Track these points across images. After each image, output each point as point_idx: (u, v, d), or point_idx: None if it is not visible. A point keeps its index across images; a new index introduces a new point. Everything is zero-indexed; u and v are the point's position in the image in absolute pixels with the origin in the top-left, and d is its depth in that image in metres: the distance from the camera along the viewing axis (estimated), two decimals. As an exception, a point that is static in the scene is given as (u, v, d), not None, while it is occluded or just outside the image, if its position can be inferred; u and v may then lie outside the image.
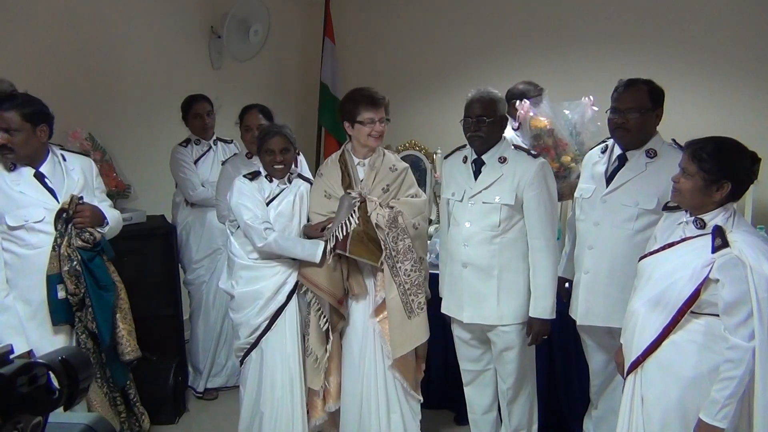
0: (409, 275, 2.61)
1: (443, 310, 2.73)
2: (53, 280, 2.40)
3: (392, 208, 2.66)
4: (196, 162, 3.60)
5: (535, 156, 2.55)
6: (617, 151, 2.54)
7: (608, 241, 2.50)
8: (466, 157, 2.64)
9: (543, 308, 2.53)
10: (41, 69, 3.12)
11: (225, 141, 3.75)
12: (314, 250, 2.64)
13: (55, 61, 3.23)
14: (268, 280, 2.72)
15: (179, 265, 3.54)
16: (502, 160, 2.54)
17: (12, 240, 2.39)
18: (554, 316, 2.53)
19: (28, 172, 2.41)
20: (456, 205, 2.63)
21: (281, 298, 2.73)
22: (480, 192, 2.54)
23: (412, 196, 2.77)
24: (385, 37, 5.00)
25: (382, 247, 2.60)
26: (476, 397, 2.81)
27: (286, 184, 2.79)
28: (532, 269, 2.54)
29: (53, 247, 2.40)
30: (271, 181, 2.77)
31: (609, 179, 2.52)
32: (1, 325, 2.34)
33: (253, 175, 2.78)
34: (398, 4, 4.96)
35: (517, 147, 2.59)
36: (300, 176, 2.89)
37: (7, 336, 2.32)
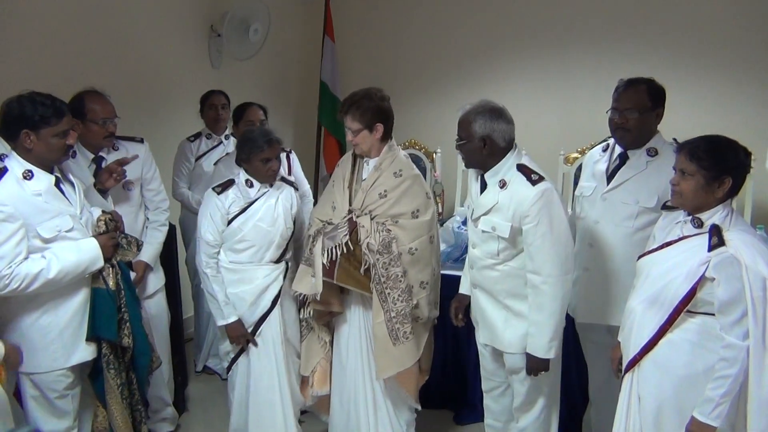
0: (395, 303, 2.53)
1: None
2: (103, 294, 2.36)
3: (389, 231, 2.54)
4: (202, 156, 3.67)
5: (534, 181, 2.27)
6: (618, 149, 2.54)
7: (608, 238, 2.50)
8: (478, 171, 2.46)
9: (536, 346, 2.33)
10: (39, 67, 3.11)
11: (236, 136, 3.78)
12: (222, 316, 2.70)
13: (53, 59, 3.22)
14: (251, 284, 2.71)
15: (178, 265, 3.55)
16: (502, 184, 2.33)
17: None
18: (551, 356, 2.32)
19: (47, 179, 2.26)
20: (469, 223, 2.54)
21: (265, 303, 2.72)
22: (480, 217, 2.39)
23: (414, 212, 2.58)
24: (385, 36, 4.99)
25: (371, 272, 2.51)
26: (492, 404, 2.71)
27: (267, 188, 2.73)
28: (529, 304, 2.33)
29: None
30: (251, 186, 2.71)
31: (609, 177, 2.52)
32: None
33: (224, 187, 2.70)
34: (399, 2, 4.95)
35: (520, 168, 2.31)
36: (283, 179, 2.85)
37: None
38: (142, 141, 2.95)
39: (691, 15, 4.06)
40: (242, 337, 2.73)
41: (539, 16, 4.46)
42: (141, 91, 3.81)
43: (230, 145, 3.70)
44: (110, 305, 2.36)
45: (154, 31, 3.89)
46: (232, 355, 2.79)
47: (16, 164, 2.23)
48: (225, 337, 2.78)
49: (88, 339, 2.36)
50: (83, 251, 2.29)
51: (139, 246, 2.52)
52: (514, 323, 2.40)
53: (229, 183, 2.71)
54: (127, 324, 2.41)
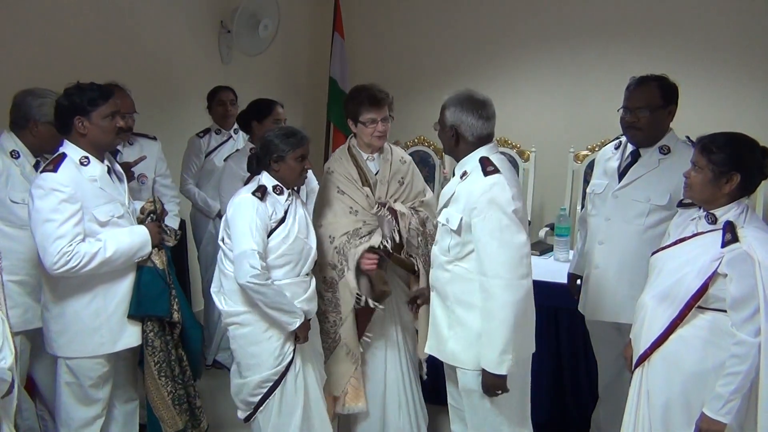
0: None
1: None
2: (151, 272, 2.43)
3: (419, 212, 2.68)
4: (212, 151, 3.69)
5: (487, 173, 2.10)
6: (630, 147, 2.54)
7: (619, 236, 2.49)
8: None
9: (486, 359, 2.10)
10: (50, 64, 3.13)
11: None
12: (295, 317, 2.39)
13: (63, 55, 3.23)
14: (295, 300, 2.44)
15: (188, 260, 3.58)
16: (463, 175, 2.19)
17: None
18: (503, 372, 2.06)
19: (101, 166, 2.36)
20: None
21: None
22: (440, 210, 2.26)
23: (423, 190, 2.78)
24: (394, 32, 4.99)
25: (415, 253, 2.62)
26: None
27: (292, 195, 2.51)
28: (481, 311, 2.11)
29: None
30: (280, 192, 2.45)
31: (621, 175, 2.52)
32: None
33: (263, 193, 2.40)
34: (408, -1, 4.95)
35: (481, 160, 2.15)
36: None
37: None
38: (155, 139, 3.09)
39: (704, 12, 4.03)
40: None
41: (550, 13, 4.45)
42: (151, 87, 3.83)
43: (240, 139, 3.72)
44: (159, 282, 2.43)
45: (164, 26, 3.90)
46: (268, 386, 2.45)
47: (73, 151, 2.32)
48: (252, 366, 2.45)
49: (131, 316, 2.40)
50: (135, 235, 2.39)
51: (176, 235, 2.61)
52: (457, 331, 2.20)
53: (264, 189, 2.42)
54: (176, 300, 2.48)
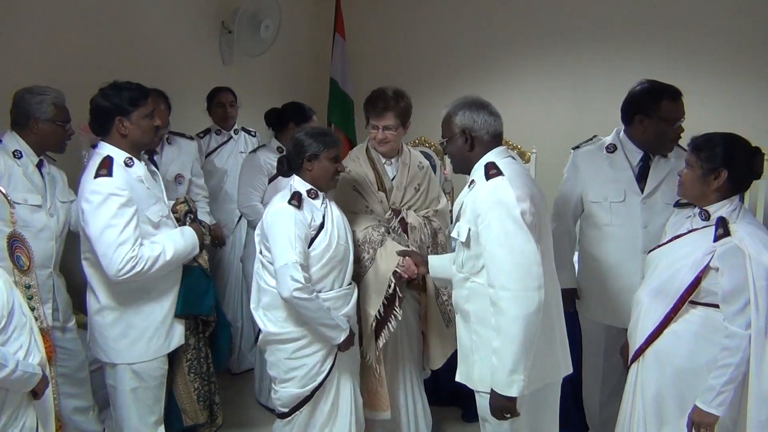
0: (447, 287, 2.56)
1: None
2: (197, 272, 2.46)
3: (431, 222, 2.66)
4: (212, 152, 3.69)
5: (490, 176, 1.98)
6: (638, 152, 2.52)
7: None
8: None
9: (495, 379, 1.93)
10: (53, 64, 3.13)
11: (249, 132, 3.80)
12: (341, 330, 2.34)
13: (65, 56, 3.23)
14: (340, 311, 2.37)
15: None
16: (471, 183, 2.06)
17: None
18: (513, 393, 1.89)
19: (143, 166, 2.34)
20: None
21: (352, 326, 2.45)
22: (454, 224, 2.13)
23: (438, 197, 2.77)
24: (395, 33, 4.99)
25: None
26: None
27: (327, 198, 2.41)
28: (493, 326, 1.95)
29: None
30: (315, 197, 2.37)
31: (638, 180, 2.51)
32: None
33: (299, 201, 2.31)
34: (409, 0, 4.95)
35: (486, 165, 2.02)
36: None
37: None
38: (192, 138, 3.16)
39: (703, 14, 4.03)
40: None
41: (551, 15, 4.45)
42: (151, 87, 3.83)
43: (241, 140, 3.71)
44: (204, 281, 2.46)
45: (165, 27, 3.90)
46: (300, 399, 2.41)
47: (116, 153, 2.28)
48: (284, 379, 2.41)
49: (178, 315, 2.40)
50: (187, 237, 2.39)
51: (211, 231, 2.65)
52: (482, 354, 2.02)
53: (298, 195, 2.34)
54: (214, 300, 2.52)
